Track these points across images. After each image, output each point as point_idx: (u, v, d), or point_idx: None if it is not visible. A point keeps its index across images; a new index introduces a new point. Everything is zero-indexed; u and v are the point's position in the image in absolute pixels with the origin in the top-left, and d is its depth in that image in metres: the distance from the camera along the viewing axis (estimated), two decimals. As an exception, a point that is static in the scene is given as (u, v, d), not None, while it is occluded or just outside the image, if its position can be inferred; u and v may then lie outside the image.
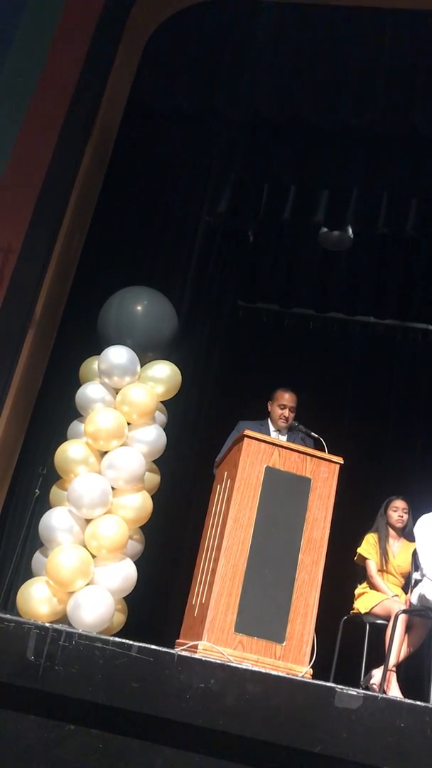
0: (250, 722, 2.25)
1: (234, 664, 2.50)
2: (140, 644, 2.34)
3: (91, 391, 4.22)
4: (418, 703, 2.30)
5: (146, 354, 4.36)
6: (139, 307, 4.39)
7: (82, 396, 4.23)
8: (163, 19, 5.23)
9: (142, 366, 4.33)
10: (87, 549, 3.85)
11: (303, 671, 3.21)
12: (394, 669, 4.01)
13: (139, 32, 5.16)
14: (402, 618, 4.03)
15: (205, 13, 5.15)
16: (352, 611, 4.47)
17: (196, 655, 2.83)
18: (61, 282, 4.71)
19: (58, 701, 2.30)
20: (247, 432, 3.56)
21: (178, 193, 5.42)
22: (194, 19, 5.16)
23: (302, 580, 3.36)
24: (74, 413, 4.31)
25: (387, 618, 4.16)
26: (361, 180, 5.29)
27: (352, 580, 4.64)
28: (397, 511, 4.61)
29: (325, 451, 3.67)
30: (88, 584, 3.79)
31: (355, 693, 2.25)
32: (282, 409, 4.39)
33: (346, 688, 2.28)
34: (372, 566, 4.49)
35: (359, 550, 4.58)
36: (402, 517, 4.59)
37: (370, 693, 2.28)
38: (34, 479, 4.39)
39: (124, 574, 3.89)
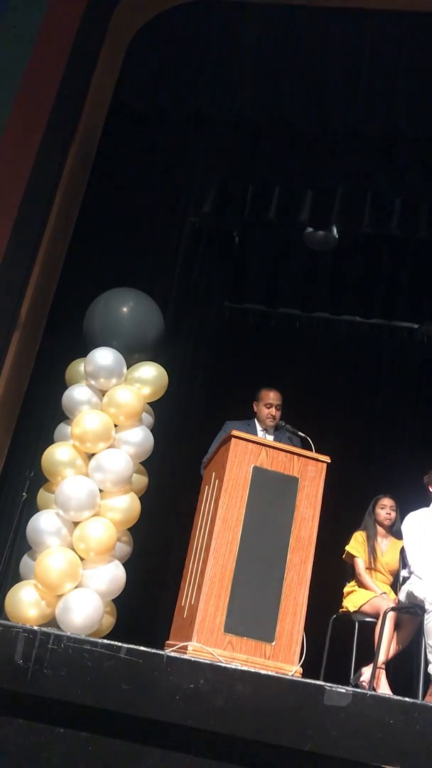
0: (240, 722, 2.25)
1: (223, 665, 2.50)
2: (129, 646, 2.34)
3: (77, 394, 4.21)
4: (407, 699, 2.31)
5: (132, 355, 4.35)
6: (124, 309, 4.38)
7: (68, 398, 4.22)
8: (146, 20, 5.22)
9: (128, 368, 4.33)
10: (75, 552, 3.83)
11: (293, 670, 3.22)
12: (383, 666, 4.04)
13: (122, 34, 5.15)
14: (390, 615, 4.05)
15: (189, 14, 5.15)
16: (341, 609, 4.49)
17: (186, 656, 2.82)
18: (47, 284, 4.70)
19: (46, 704, 2.29)
20: (235, 432, 3.56)
21: (163, 194, 5.41)
22: (177, 21, 5.16)
23: (291, 580, 3.37)
24: (61, 416, 4.29)
25: (376, 616, 4.18)
26: (345, 180, 5.31)
27: (341, 578, 4.65)
28: (385, 508, 4.63)
29: (312, 450, 3.68)
30: (76, 587, 3.78)
31: (344, 691, 2.26)
32: (269, 408, 4.40)
33: (336, 686, 2.29)
34: (360, 564, 4.51)
35: (347, 548, 4.60)
36: (390, 514, 4.62)
37: (359, 690, 2.29)
38: (21, 482, 4.37)
39: (113, 576, 3.88)
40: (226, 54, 5.05)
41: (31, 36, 4.80)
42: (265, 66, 4.97)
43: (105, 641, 2.34)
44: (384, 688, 3.97)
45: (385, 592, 4.36)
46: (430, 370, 6.55)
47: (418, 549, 4.05)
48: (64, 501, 3.87)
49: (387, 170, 5.16)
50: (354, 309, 6.67)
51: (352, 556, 4.55)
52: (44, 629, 2.36)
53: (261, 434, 4.33)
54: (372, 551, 4.53)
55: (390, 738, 2.20)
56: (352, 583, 4.56)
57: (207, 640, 3.19)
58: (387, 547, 4.59)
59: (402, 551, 4.28)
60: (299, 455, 3.58)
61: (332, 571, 4.53)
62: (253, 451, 3.52)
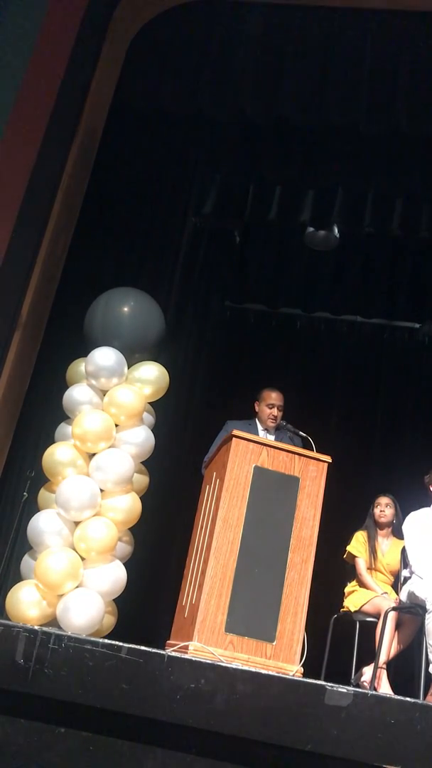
0: (240, 722, 2.25)
1: (224, 664, 2.49)
2: (130, 646, 2.34)
3: (78, 393, 4.21)
4: (408, 699, 2.31)
5: (133, 355, 4.35)
6: (125, 309, 4.38)
7: (69, 398, 4.22)
8: (147, 20, 5.22)
9: (129, 367, 4.33)
10: (76, 551, 3.84)
11: (294, 670, 3.22)
12: (384, 666, 4.03)
13: (123, 34, 5.15)
14: (391, 615, 4.05)
15: (189, 14, 5.15)
16: (342, 609, 4.48)
17: (187, 656, 2.82)
18: (48, 284, 4.70)
19: (47, 704, 2.29)
20: (236, 432, 3.56)
21: (164, 194, 5.42)
22: (178, 21, 5.16)
23: (292, 579, 3.36)
24: (62, 415, 4.29)
25: (377, 616, 4.18)
26: (346, 180, 5.32)
27: (342, 578, 4.65)
28: (379, 506, 4.63)
29: (313, 450, 3.68)
30: (77, 587, 3.78)
31: (345, 690, 2.26)
32: (270, 408, 4.40)
33: (337, 685, 2.29)
34: (361, 564, 4.51)
35: (348, 548, 4.60)
36: (383, 512, 4.61)
37: (360, 690, 2.29)
38: (22, 482, 4.37)
39: (114, 576, 3.88)
40: (226, 54, 5.05)
41: (32, 36, 4.80)
42: (265, 65, 4.97)
43: (106, 641, 2.34)
44: (385, 688, 3.97)
45: (386, 592, 4.36)
46: (431, 370, 6.55)
47: (418, 549, 4.05)
48: (64, 501, 3.87)
49: (387, 170, 5.17)
50: (355, 309, 6.67)
51: (353, 556, 4.55)
52: (45, 629, 2.37)
53: (262, 434, 4.33)
54: (373, 551, 4.52)
55: (391, 738, 2.20)
56: (353, 582, 4.55)
57: (208, 640, 3.19)
58: (388, 547, 4.59)
59: (403, 551, 4.28)
60: (300, 455, 3.57)
61: (333, 571, 4.52)
62: (254, 451, 3.51)
